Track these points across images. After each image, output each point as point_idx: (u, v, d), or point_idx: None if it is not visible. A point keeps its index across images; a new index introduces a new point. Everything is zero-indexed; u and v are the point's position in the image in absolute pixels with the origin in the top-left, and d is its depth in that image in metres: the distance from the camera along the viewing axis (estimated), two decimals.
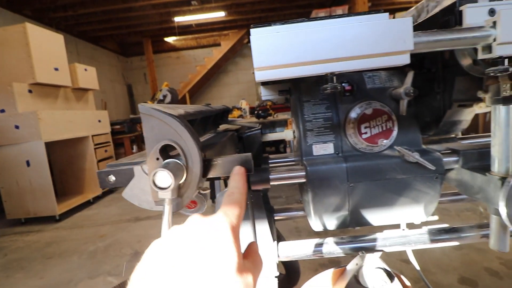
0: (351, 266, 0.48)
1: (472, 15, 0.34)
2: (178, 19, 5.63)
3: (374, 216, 0.57)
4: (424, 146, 0.56)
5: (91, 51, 6.22)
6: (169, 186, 0.28)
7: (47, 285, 1.42)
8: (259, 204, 0.58)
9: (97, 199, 3.36)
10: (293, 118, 0.67)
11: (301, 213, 0.76)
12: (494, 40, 0.31)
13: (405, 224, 0.62)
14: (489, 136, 0.67)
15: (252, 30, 0.31)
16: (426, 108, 0.62)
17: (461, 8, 0.36)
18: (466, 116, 0.58)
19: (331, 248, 0.57)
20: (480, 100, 0.54)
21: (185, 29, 6.27)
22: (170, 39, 7.23)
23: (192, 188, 0.32)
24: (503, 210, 0.42)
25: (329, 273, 0.51)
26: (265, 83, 0.74)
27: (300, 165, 0.59)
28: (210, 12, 5.48)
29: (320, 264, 1.23)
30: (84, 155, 3.37)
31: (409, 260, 1.20)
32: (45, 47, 2.87)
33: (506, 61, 0.33)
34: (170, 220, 0.28)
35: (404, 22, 0.29)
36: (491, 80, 0.45)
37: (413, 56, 0.33)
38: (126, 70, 7.60)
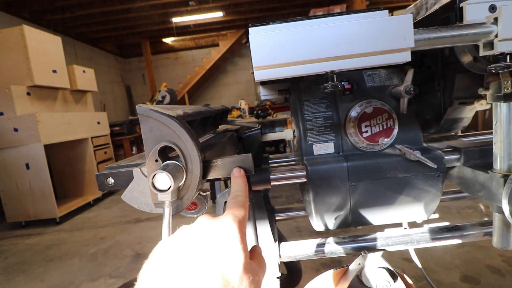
0: (353, 266, 0.48)
1: (472, 11, 0.34)
2: (176, 19, 5.62)
3: (375, 215, 0.56)
4: (425, 144, 0.56)
5: (89, 53, 6.20)
6: (168, 189, 0.27)
7: None
8: (260, 205, 0.57)
9: (97, 201, 3.35)
10: (293, 117, 0.67)
11: (302, 213, 0.75)
12: (496, 36, 0.31)
13: (407, 223, 0.62)
14: (491, 133, 0.67)
15: (251, 29, 0.31)
16: (427, 106, 0.61)
17: (461, 4, 0.35)
18: (467, 113, 0.58)
19: (333, 248, 0.57)
20: (481, 97, 0.53)
21: (183, 30, 6.26)
22: (168, 40, 7.22)
23: (192, 190, 0.31)
24: (506, 207, 0.42)
25: (331, 273, 0.51)
26: (264, 83, 0.74)
27: (300, 165, 0.58)
28: (208, 12, 5.47)
29: (322, 263, 1.23)
30: (83, 157, 3.37)
31: (411, 258, 1.20)
32: (43, 49, 2.86)
33: (508, 57, 0.33)
34: (170, 223, 0.28)
35: (405, 19, 0.29)
36: (492, 77, 0.45)
37: (413, 53, 0.32)
38: (125, 72, 7.59)
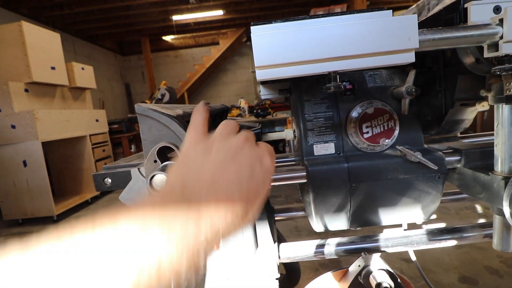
0: (353, 268, 0.47)
1: (477, 12, 0.34)
2: (176, 17, 5.60)
3: (375, 217, 0.56)
4: (425, 146, 0.56)
5: (89, 50, 6.17)
6: None
7: None
8: None
9: (95, 199, 3.34)
10: (293, 117, 0.66)
11: (301, 213, 0.75)
12: (501, 38, 0.31)
13: (406, 224, 0.62)
14: (491, 135, 0.67)
15: (252, 28, 0.30)
16: (428, 107, 0.61)
17: (466, 5, 0.35)
18: (468, 115, 0.58)
19: (333, 249, 0.57)
20: (483, 99, 0.53)
21: (183, 28, 6.24)
22: (168, 38, 7.19)
23: None
24: (506, 210, 0.42)
25: (331, 274, 0.51)
26: (265, 82, 0.73)
27: (301, 165, 0.58)
28: (208, 10, 5.45)
29: (321, 264, 1.23)
30: (81, 155, 3.35)
31: (410, 259, 1.20)
32: (42, 46, 2.84)
33: None
34: None
35: (409, 19, 0.28)
36: (494, 78, 0.45)
37: (415, 54, 0.32)
38: (124, 69, 7.56)
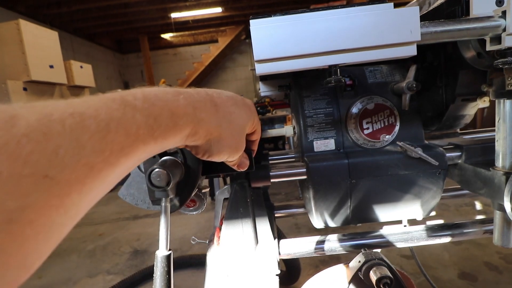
0: (353, 264, 0.47)
1: (479, 5, 0.33)
2: (174, 15, 5.57)
3: (376, 213, 0.56)
4: (426, 142, 0.56)
5: (87, 48, 6.14)
6: (166, 185, 0.27)
7: (46, 285, 1.41)
8: (260, 202, 0.57)
9: None
10: (293, 114, 0.66)
11: (301, 210, 0.75)
12: (504, 30, 0.30)
13: (407, 221, 0.62)
14: (492, 130, 0.67)
15: (252, 21, 0.30)
16: (429, 103, 0.61)
17: None
18: (469, 110, 0.57)
19: (333, 245, 0.57)
20: (484, 94, 0.53)
21: (182, 26, 6.21)
22: (167, 36, 7.15)
23: (190, 186, 0.30)
24: (507, 205, 0.42)
25: (331, 270, 0.51)
26: (264, 78, 0.73)
27: (301, 162, 0.58)
28: (207, 7, 5.42)
29: (321, 260, 1.23)
30: None
31: (409, 255, 1.20)
32: (40, 44, 2.82)
33: None
34: (168, 220, 0.27)
35: (411, 11, 0.28)
36: (495, 73, 0.44)
37: (416, 47, 0.31)
38: (123, 67, 7.53)
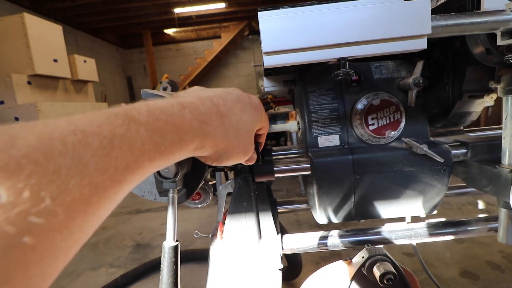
0: (357, 259, 0.47)
1: None
2: (178, 10, 5.54)
3: (379, 209, 0.56)
4: (431, 138, 0.55)
5: (91, 43, 6.14)
6: (174, 176, 0.27)
7: None
8: (263, 197, 0.57)
9: None
10: (298, 109, 0.66)
11: (303, 205, 0.75)
12: None
13: (410, 217, 0.61)
14: (498, 128, 0.66)
15: (260, 13, 0.29)
16: (435, 99, 0.60)
17: None
18: (476, 107, 0.57)
19: (336, 241, 0.57)
20: (492, 90, 0.52)
21: (185, 21, 6.18)
22: (170, 31, 7.13)
23: (198, 178, 0.30)
24: None
25: (334, 266, 0.51)
26: (268, 74, 0.73)
27: (305, 157, 0.58)
28: (210, 3, 5.39)
29: (322, 256, 1.23)
30: None
31: (411, 253, 1.20)
32: (44, 38, 2.83)
33: None
34: (175, 211, 0.27)
35: (422, 4, 0.28)
36: (504, 69, 0.44)
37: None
38: (126, 62, 7.52)
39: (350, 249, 0.59)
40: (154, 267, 1.30)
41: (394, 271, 0.43)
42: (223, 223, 0.53)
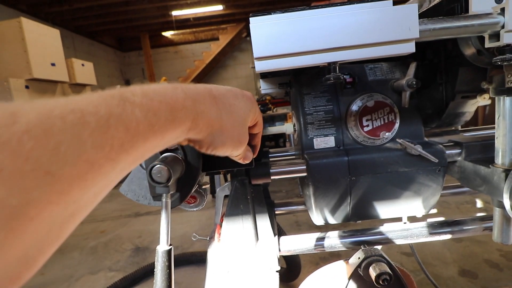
0: (353, 260, 0.48)
1: (478, 2, 0.33)
2: (175, 13, 5.55)
3: (376, 210, 0.56)
4: (426, 139, 0.56)
5: (88, 46, 6.14)
6: (167, 181, 0.27)
7: (48, 281, 1.42)
8: (260, 199, 0.57)
9: None
10: (293, 111, 0.66)
11: (301, 207, 0.75)
12: (502, 27, 0.30)
13: (407, 218, 0.62)
14: (492, 128, 0.67)
15: (251, 19, 0.30)
16: (428, 100, 0.61)
17: None
18: (469, 107, 0.57)
19: (333, 242, 0.57)
20: (484, 91, 0.53)
21: (183, 23, 6.19)
22: (168, 34, 7.14)
23: (191, 183, 0.31)
24: (507, 202, 0.42)
25: (331, 267, 0.51)
26: (264, 76, 0.73)
27: (301, 159, 0.58)
28: (208, 5, 5.41)
29: (321, 257, 1.24)
30: None
31: (409, 253, 1.21)
32: (42, 42, 2.83)
33: None
34: (169, 216, 0.28)
35: (409, 8, 0.28)
36: (495, 70, 0.45)
37: (415, 46, 0.31)
38: (124, 65, 7.53)
39: (348, 249, 0.59)
40: (153, 270, 1.30)
41: (390, 272, 0.43)
42: (221, 226, 0.53)
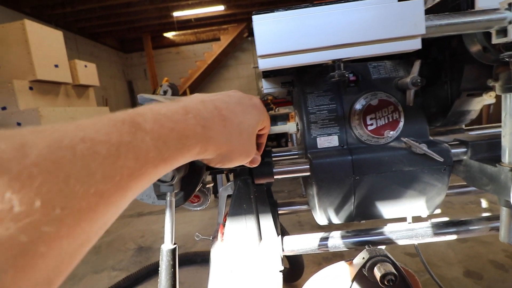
0: (357, 260, 0.47)
1: None
2: (177, 13, 5.57)
3: (380, 209, 0.56)
4: (431, 138, 0.55)
5: (91, 48, 6.18)
6: (171, 179, 0.27)
7: None
8: (263, 198, 0.57)
9: None
10: (296, 110, 0.66)
11: (304, 207, 0.75)
12: (510, 23, 0.30)
13: (411, 218, 0.61)
14: (498, 127, 0.66)
15: (254, 17, 0.30)
16: (433, 98, 0.60)
17: None
18: (475, 105, 0.57)
19: (337, 242, 0.57)
20: (490, 88, 0.52)
21: (184, 24, 6.21)
22: (169, 35, 7.17)
23: (195, 181, 0.31)
24: None
25: (334, 267, 0.51)
26: (267, 75, 0.73)
27: (304, 158, 0.58)
28: (209, 6, 5.42)
29: (324, 257, 1.23)
30: None
31: (414, 253, 1.19)
32: (45, 44, 2.85)
33: None
34: (173, 214, 0.27)
35: (415, 4, 0.28)
36: (501, 67, 0.44)
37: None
38: (126, 67, 7.56)
39: (352, 250, 0.59)
40: (156, 270, 1.30)
41: (395, 272, 0.43)
42: (224, 225, 0.53)
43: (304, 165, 0.53)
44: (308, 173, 0.53)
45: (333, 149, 0.55)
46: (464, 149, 0.52)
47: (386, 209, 0.56)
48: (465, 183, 0.59)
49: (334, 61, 0.30)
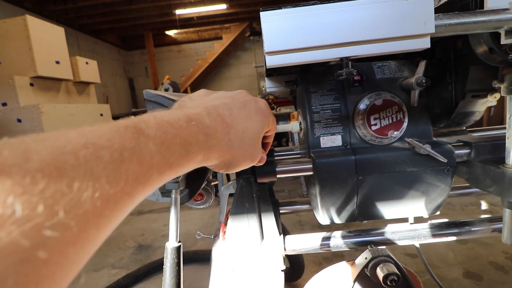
0: (360, 260, 0.47)
1: None
2: (179, 11, 5.56)
3: (382, 210, 0.56)
4: (434, 139, 0.55)
5: (92, 45, 6.17)
6: (177, 177, 0.27)
7: None
8: (265, 197, 0.57)
9: None
10: (300, 109, 0.66)
11: (305, 206, 0.75)
12: None
13: (413, 218, 0.61)
14: (501, 128, 0.66)
15: (262, 13, 0.29)
16: (438, 99, 0.60)
17: None
18: (479, 107, 0.57)
19: (338, 241, 0.57)
20: (495, 90, 0.52)
21: (186, 22, 6.20)
22: (171, 33, 7.15)
23: (200, 179, 0.30)
24: None
25: (336, 267, 0.51)
26: (270, 74, 0.73)
27: (307, 158, 0.57)
28: (212, 4, 5.41)
29: (324, 257, 1.23)
30: None
31: (414, 254, 1.19)
32: (46, 40, 2.84)
33: None
34: (178, 212, 0.27)
35: (425, 3, 0.28)
36: (507, 69, 0.44)
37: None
38: (128, 64, 7.55)
39: (352, 250, 0.58)
40: (156, 268, 1.30)
41: (398, 272, 0.43)
42: (225, 224, 0.53)
43: (307, 165, 0.53)
44: (311, 173, 0.53)
45: (336, 148, 0.55)
46: (467, 150, 0.52)
47: (389, 209, 0.56)
48: (467, 184, 0.59)
49: (342, 59, 0.30)
